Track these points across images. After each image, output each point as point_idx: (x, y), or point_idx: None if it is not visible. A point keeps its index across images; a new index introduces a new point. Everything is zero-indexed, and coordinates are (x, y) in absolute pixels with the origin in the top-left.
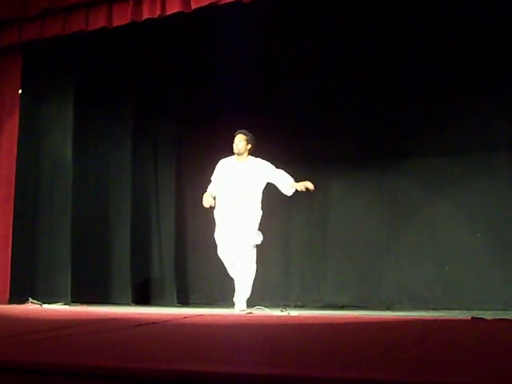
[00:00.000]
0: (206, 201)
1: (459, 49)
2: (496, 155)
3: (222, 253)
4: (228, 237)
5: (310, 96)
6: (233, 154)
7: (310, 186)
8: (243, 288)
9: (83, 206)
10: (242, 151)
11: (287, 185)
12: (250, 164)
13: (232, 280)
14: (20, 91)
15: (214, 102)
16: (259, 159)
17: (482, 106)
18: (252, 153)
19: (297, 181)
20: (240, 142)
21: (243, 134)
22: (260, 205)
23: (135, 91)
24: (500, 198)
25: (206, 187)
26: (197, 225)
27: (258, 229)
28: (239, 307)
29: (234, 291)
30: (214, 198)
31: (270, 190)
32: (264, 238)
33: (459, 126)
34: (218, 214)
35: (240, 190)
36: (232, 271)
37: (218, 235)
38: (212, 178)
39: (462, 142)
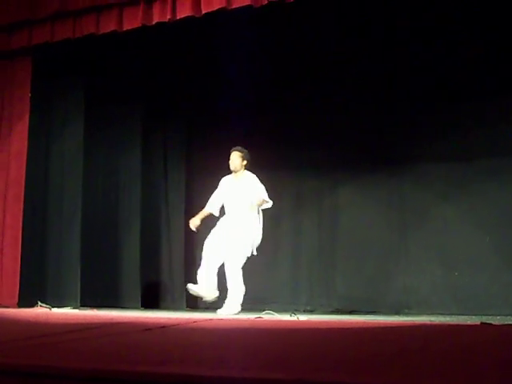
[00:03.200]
0: (193, 223)
1: (466, 54)
2: (504, 160)
3: (209, 247)
4: (219, 241)
5: (318, 100)
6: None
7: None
8: (233, 293)
9: (93, 209)
10: (237, 168)
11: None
12: (245, 180)
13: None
14: (30, 94)
15: (222, 104)
16: (254, 176)
17: (489, 111)
18: (249, 167)
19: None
20: (236, 159)
21: (238, 151)
22: (258, 217)
23: (145, 94)
24: (509, 202)
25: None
26: (206, 228)
27: (263, 237)
28: (229, 311)
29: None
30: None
31: (279, 197)
32: (273, 242)
33: (467, 131)
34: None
35: (236, 205)
36: (206, 266)
37: (211, 236)
38: (212, 196)
39: (470, 147)
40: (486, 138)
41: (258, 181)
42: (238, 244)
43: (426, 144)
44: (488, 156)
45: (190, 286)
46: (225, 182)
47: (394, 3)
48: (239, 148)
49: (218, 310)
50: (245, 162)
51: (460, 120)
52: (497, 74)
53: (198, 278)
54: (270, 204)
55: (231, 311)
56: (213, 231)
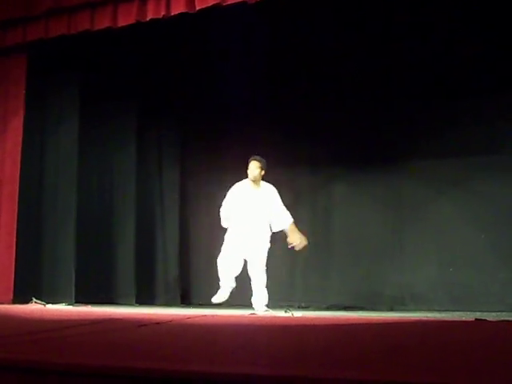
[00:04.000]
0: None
1: (464, 51)
2: (501, 157)
3: (228, 264)
4: (238, 255)
5: (314, 97)
6: (241, 174)
7: (302, 244)
8: (261, 295)
9: (87, 206)
10: (257, 178)
11: (283, 224)
12: (263, 190)
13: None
14: (24, 91)
15: (218, 103)
16: (271, 186)
17: (487, 107)
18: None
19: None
20: (255, 169)
21: (257, 161)
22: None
23: (140, 91)
24: (504, 199)
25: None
26: (200, 225)
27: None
28: (260, 309)
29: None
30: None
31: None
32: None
33: (464, 128)
34: (231, 234)
35: (254, 214)
36: (228, 281)
37: (227, 253)
38: (224, 203)
39: (466, 144)
40: (483, 135)
41: (277, 194)
42: (261, 248)
43: (422, 141)
44: (485, 153)
45: (213, 299)
46: (240, 189)
47: None
48: (258, 158)
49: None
50: (263, 172)
51: (457, 117)
52: (494, 71)
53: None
54: (291, 220)
55: (263, 308)
56: (229, 250)
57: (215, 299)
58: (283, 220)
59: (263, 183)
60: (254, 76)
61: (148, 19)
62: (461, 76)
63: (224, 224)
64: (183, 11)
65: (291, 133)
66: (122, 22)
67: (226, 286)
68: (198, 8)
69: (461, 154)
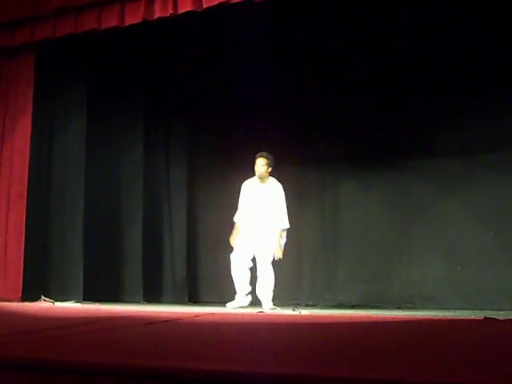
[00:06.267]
0: (233, 241)
1: (469, 47)
2: (508, 155)
3: (240, 262)
4: (249, 251)
5: (321, 95)
6: (250, 172)
7: (278, 255)
8: (267, 291)
9: (95, 204)
10: (263, 175)
11: (274, 225)
12: (270, 186)
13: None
14: (33, 90)
15: (225, 100)
16: (278, 185)
17: (493, 104)
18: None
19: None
20: (262, 166)
21: (264, 157)
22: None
23: (147, 89)
24: None
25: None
26: (208, 223)
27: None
28: (267, 306)
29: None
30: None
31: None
32: None
33: (471, 125)
34: (241, 231)
35: (262, 210)
36: (242, 277)
37: (239, 250)
38: (239, 205)
39: (474, 142)
40: (489, 132)
41: (283, 195)
42: (269, 245)
43: (430, 140)
44: (492, 151)
45: (228, 305)
46: (249, 187)
47: None
48: (265, 154)
49: (264, 306)
50: (270, 169)
51: (464, 116)
52: (499, 68)
53: (237, 289)
54: (286, 227)
55: (270, 305)
56: (239, 248)
57: (231, 305)
58: (276, 222)
59: (271, 180)
60: (261, 74)
61: (155, 18)
62: (466, 73)
63: (235, 219)
64: (190, 9)
65: (298, 131)
66: (130, 21)
67: (242, 291)
68: (205, 6)
69: (468, 153)
